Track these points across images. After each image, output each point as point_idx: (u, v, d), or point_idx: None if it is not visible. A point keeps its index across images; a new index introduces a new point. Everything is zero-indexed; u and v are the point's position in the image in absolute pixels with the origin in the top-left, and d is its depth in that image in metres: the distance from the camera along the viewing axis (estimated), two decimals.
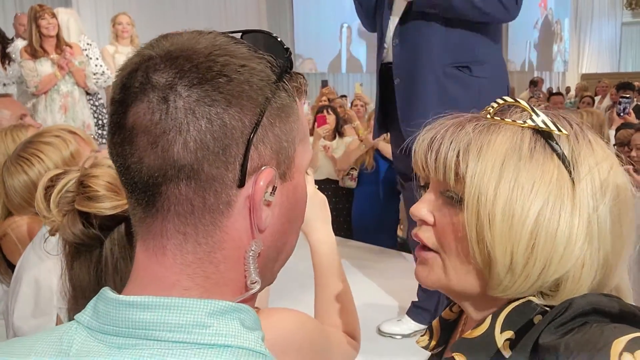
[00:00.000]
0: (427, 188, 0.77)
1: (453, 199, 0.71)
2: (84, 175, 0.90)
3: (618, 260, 0.69)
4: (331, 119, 4.33)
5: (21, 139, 1.72)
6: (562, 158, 0.67)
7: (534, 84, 10.56)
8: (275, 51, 0.59)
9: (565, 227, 0.65)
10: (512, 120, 0.70)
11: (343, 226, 4.17)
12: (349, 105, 6.02)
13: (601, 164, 0.68)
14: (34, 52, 4.19)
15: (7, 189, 1.55)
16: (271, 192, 0.57)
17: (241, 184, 0.55)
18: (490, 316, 0.70)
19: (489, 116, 0.72)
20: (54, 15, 4.22)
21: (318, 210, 1.07)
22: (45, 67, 4.20)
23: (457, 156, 0.68)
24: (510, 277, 0.67)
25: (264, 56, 0.57)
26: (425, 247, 0.75)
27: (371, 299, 2.83)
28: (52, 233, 1.00)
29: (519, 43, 14.95)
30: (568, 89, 12.61)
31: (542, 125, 0.68)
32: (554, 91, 10.57)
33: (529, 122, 0.69)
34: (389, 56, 2.41)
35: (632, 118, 4.50)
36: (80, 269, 0.91)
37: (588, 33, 17.40)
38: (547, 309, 0.67)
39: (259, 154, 0.55)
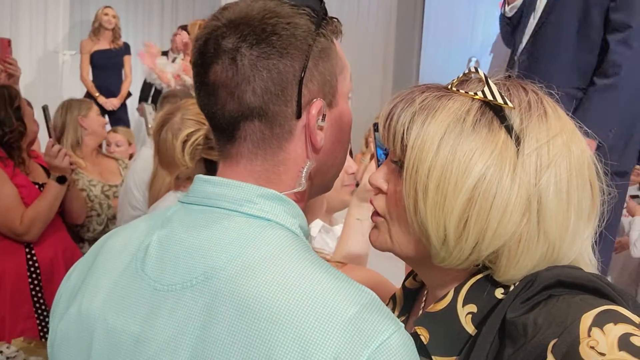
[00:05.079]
0: None
1: (400, 167, 0.72)
2: (209, 131, 1.19)
3: (565, 235, 0.67)
4: None
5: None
6: (509, 130, 0.67)
7: None
8: (312, 3, 0.72)
9: (500, 202, 0.65)
10: (465, 92, 0.70)
11: None
12: None
13: (554, 139, 0.67)
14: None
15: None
16: (322, 119, 0.72)
17: (298, 115, 0.70)
18: (452, 290, 0.72)
19: (449, 86, 0.73)
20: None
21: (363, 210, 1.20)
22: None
23: (404, 126, 0.71)
24: (446, 250, 0.68)
25: (305, 11, 0.71)
26: (377, 212, 0.79)
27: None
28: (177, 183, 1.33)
29: None
30: None
31: (489, 97, 0.68)
32: None
33: (480, 93, 0.69)
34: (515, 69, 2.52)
35: None
36: None
37: None
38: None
39: (309, 90, 0.70)
